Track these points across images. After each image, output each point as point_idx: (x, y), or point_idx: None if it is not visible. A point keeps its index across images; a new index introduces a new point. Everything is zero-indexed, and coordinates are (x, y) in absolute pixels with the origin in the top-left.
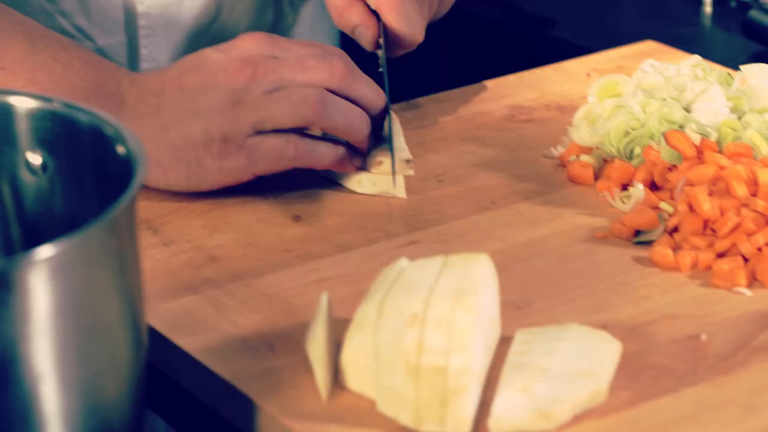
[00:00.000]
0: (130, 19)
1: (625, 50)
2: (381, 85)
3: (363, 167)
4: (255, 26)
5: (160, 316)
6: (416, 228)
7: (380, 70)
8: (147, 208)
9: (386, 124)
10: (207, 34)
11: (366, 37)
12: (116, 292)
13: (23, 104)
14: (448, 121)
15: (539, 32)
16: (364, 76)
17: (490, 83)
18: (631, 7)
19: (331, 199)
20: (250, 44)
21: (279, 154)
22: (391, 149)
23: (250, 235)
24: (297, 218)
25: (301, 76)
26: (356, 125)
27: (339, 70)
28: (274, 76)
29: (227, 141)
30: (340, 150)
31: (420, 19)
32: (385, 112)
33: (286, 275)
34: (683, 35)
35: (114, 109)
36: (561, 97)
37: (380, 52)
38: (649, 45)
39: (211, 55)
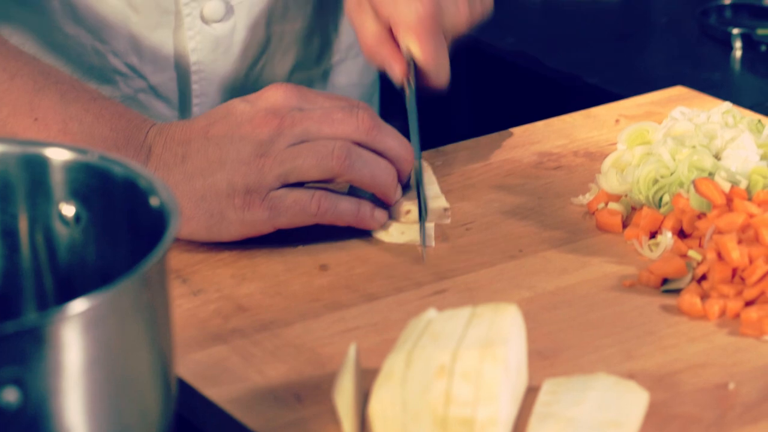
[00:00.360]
0: (180, 57)
1: (654, 96)
2: (408, 123)
3: (385, 224)
4: (303, 56)
5: (188, 366)
6: (444, 277)
7: (406, 106)
8: (176, 258)
9: (413, 171)
10: (257, 66)
11: (395, 73)
12: (147, 345)
13: (58, 156)
14: (475, 168)
15: (568, 78)
16: (390, 127)
17: (518, 130)
18: (660, 52)
19: (358, 248)
20: (276, 95)
21: (301, 209)
22: (419, 198)
23: (278, 285)
24: (324, 267)
25: (328, 129)
26: (383, 177)
27: (365, 122)
28: (299, 128)
29: (251, 193)
30: (363, 207)
31: (447, 59)
32: (412, 164)
33: (313, 325)
34: (713, 80)
35: (141, 159)
36: (590, 144)
37: (408, 90)
38: (678, 90)
39: (237, 105)
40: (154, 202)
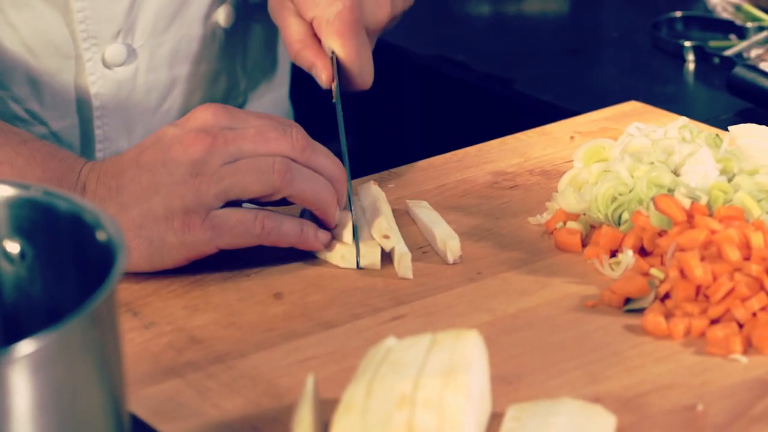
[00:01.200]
0: (82, 101)
1: (608, 111)
2: (337, 122)
3: (328, 245)
4: (209, 96)
5: (142, 402)
6: (401, 302)
7: (333, 101)
8: (125, 290)
9: (348, 192)
10: (161, 109)
11: (321, 76)
12: (98, 383)
13: (0, 192)
14: (430, 189)
15: (521, 95)
16: (323, 147)
17: (472, 149)
18: (612, 66)
19: (312, 274)
20: (205, 115)
21: (245, 229)
22: (352, 220)
23: (232, 315)
24: (278, 295)
25: (263, 147)
26: (323, 194)
27: (299, 141)
28: (233, 147)
29: (189, 213)
30: (306, 227)
31: (370, 57)
32: (345, 183)
33: (269, 355)
34: (666, 93)
35: (76, 197)
36: (545, 162)
37: (334, 88)
38: (632, 105)
39: (167, 130)
40: (100, 236)
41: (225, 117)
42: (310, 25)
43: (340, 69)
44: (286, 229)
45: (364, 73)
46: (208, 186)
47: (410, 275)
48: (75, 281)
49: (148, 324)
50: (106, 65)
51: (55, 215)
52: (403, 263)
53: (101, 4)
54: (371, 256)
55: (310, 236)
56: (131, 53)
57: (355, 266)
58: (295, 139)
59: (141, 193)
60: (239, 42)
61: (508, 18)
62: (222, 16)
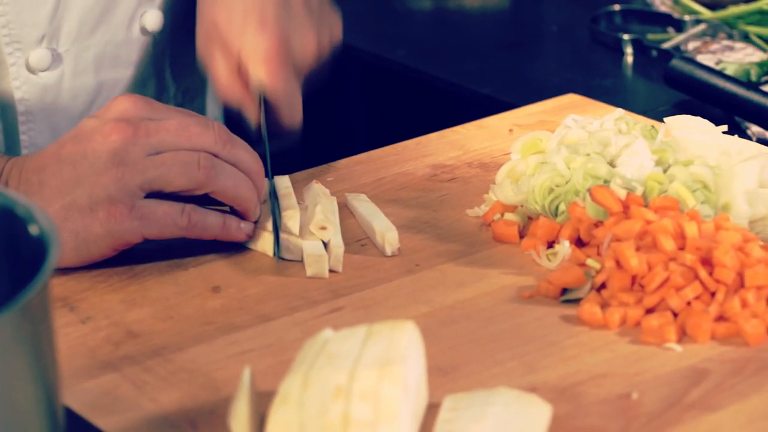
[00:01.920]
0: (6, 106)
1: (546, 104)
2: (265, 158)
3: (252, 235)
4: None
5: (78, 396)
6: (339, 294)
7: (264, 143)
8: (62, 285)
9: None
10: (87, 114)
11: (249, 113)
12: (31, 377)
13: None
14: (369, 182)
15: (460, 89)
16: (243, 142)
17: (411, 143)
18: (552, 60)
19: (250, 267)
20: (125, 105)
21: (172, 221)
22: (273, 212)
23: (170, 308)
24: (216, 289)
25: (185, 141)
26: (244, 189)
27: (222, 136)
28: (155, 139)
29: (114, 203)
30: (229, 220)
31: (299, 95)
32: (263, 177)
33: (207, 348)
34: (605, 86)
35: (8, 191)
36: (483, 155)
37: (263, 131)
38: (570, 98)
39: (86, 122)
40: (33, 230)
41: (145, 108)
42: (238, 62)
43: (267, 109)
44: (210, 222)
45: (292, 109)
46: (131, 176)
47: (340, 269)
48: (7, 276)
49: (85, 318)
50: (31, 70)
51: None
52: (334, 255)
53: (24, 9)
54: (318, 266)
55: (233, 228)
56: (56, 58)
57: (279, 255)
58: (218, 134)
59: (63, 186)
60: (168, 47)
61: (448, 13)
62: (149, 20)
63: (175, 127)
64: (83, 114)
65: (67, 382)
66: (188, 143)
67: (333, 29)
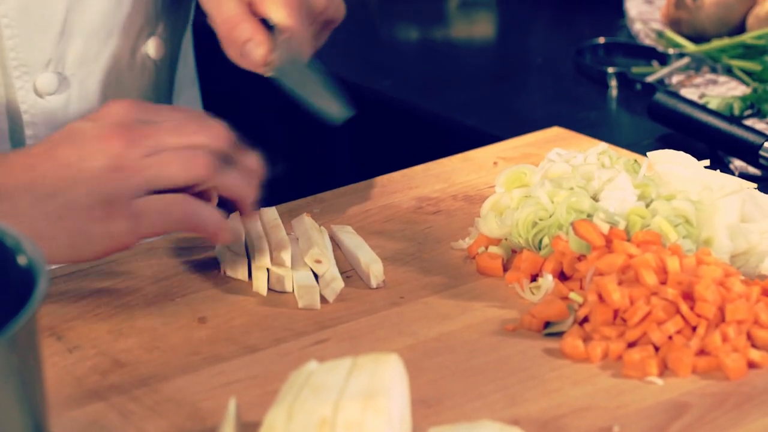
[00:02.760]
0: (14, 129)
1: (531, 137)
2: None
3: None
4: None
5: (65, 425)
6: (325, 326)
7: (271, 75)
8: (50, 314)
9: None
10: None
11: (257, 50)
12: (18, 409)
13: None
14: (354, 215)
15: (446, 120)
16: (238, 140)
17: (396, 175)
18: (537, 92)
19: (236, 299)
20: (118, 110)
21: (165, 214)
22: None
23: (156, 339)
24: (203, 320)
25: (184, 139)
26: (244, 185)
27: (221, 132)
28: (153, 140)
29: (112, 203)
30: (223, 216)
31: (310, 33)
32: (260, 176)
33: (193, 379)
34: (590, 119)
35: None
36: (468, 188)
37: (275, 62)
38: (555, 131)
39: (79, 125)
40: (21, 260)
41: (140, 110)
42: (246, 5)
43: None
44: (206, 216)
45: (305, 44)
46: (131, 176)
47: (332, 299)
48: None
49: (72, 348)
50: (38, 94)
51: None
52: (331, 287)
53: (31, 33)
54: (309, 297)
55: (226, 226)
56: (63, 82)
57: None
58: (216, 130)
59: (59, 185)
60: (168, 74)
61: (435, 44)
62: (152, 47)
63: (173, 126)
64: None
65: (54, 411)
66: (187, 140)
67: (339, 4)
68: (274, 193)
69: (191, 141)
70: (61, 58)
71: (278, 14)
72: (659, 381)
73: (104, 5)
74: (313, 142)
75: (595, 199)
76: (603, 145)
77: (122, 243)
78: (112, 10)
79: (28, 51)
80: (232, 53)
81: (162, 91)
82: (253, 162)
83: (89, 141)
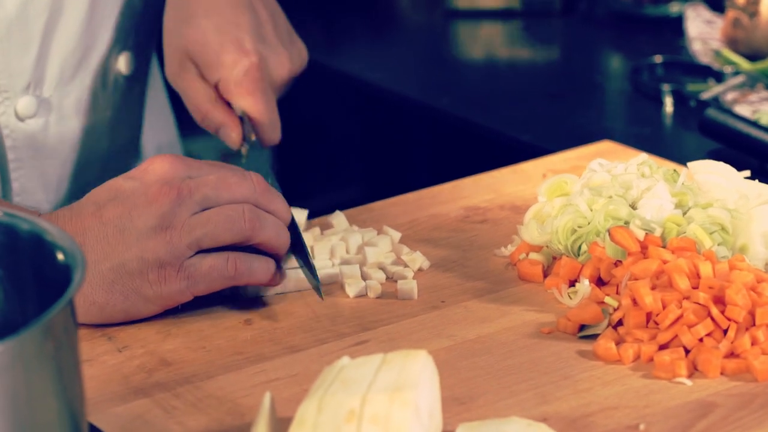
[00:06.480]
0: None
1: (581, 150)
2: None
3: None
4: (115, 143)
5: (110, 420)
6: (366, 328)
7: (243, 161)
8: None
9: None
10: (73, 159)
11: (231, 135)
12: (54, 394)
13: None
14: (402, 223)
15: (503, 136)
16: (276, 190)
17: (447, 186)
18: (593, 109)
19: (283, 302)
20: (163, 166)
21: (219, 273)
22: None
23: (202, 339)
24: (248, 321)
25: (226, 194)
26: (282, 237)
27: (259, 185)
28: (199, 195)
29: (164, 266)
30: (272, 264)
31: (277, 112)
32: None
33: (235, 377)
34: (644, 134)
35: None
36: (516, 198)
37: (245, 149)
38: (605, 145)
39: (123, 183)
40: (60, 256)
41: (182, 167)
42: (215, 88)
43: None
44: (257, 268)
45: (274, 128)
46: (180, 237)
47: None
48: (35, 301)
49: (122, 347)
50: (19, 117)
51: (17, 236)
52: (372, 287)
53: (11, 58)
54: (358, 286)
55: (280, 273)
56: (42, 104)
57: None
58: (256, 183)
59: (110, 249)
60: (140, 88)
61: (499, 65)
62: (122, 63)
63: (215, 181)
64: (68, 159)
65: (100, 407)
66: (229, 196)
67: (301, 53)
68: (335, 205)
69: (233, 194)
70: (40, 81)
71: (244, 103)
72: (688, 382)
73: (78, 25)
74: (371, 155)
75: (633, 207)
76: (643, 156)
77: (176, 301)
78: (85, 29)
79: (8, 76)
80: (211, 132)
81: (134, 110)
82: (287, 212)
83: (136, 200)
